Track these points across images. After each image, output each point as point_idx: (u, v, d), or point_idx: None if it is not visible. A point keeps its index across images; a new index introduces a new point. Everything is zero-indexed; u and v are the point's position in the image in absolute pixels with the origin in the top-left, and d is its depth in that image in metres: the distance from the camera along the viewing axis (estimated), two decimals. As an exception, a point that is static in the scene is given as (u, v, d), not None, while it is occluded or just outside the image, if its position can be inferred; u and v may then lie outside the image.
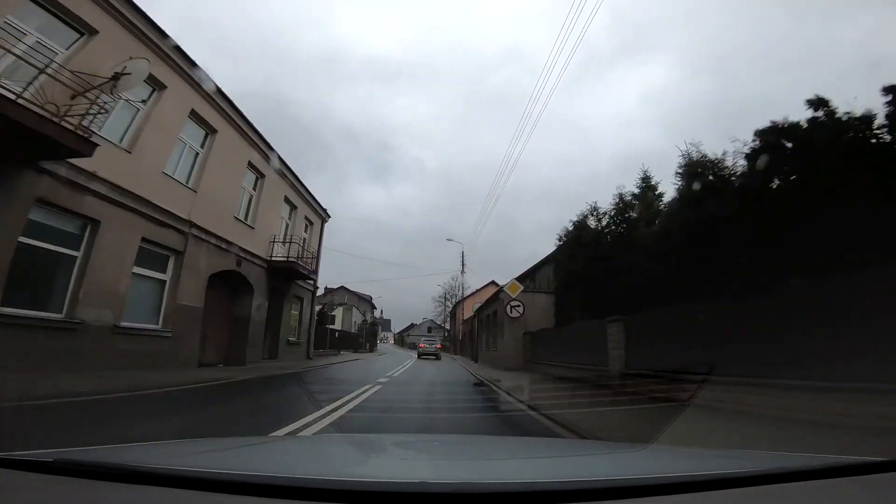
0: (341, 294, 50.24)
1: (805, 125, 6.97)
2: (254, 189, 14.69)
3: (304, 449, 1.92)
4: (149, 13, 8.99)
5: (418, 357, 28.86)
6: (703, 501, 0.94)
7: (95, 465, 1.05)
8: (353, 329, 47.71)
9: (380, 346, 71.28)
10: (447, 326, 62.99)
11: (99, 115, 7.28)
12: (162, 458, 1.31)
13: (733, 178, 8.08)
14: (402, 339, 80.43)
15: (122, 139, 9.06)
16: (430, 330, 73.61)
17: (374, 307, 62.80)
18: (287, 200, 17.26)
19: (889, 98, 6.25)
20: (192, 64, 10.48)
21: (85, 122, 7.01)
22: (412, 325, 76.58)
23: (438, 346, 31.66)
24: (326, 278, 55.00)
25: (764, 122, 7.52)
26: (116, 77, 7.49)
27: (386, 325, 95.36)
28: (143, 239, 9.56)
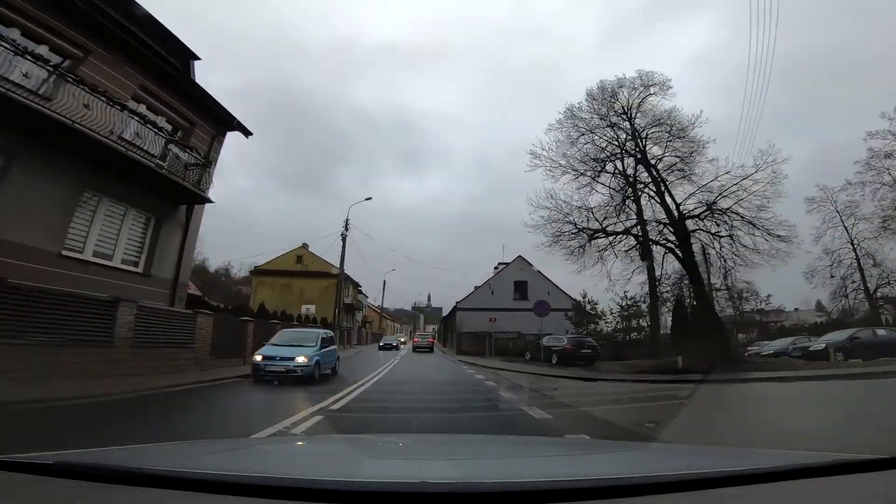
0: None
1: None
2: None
3: (302, 450, 1.94)
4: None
5: (413, 350, 30.92)
6: (705, 499, 0.94)
7: (95, 468, 1.05)
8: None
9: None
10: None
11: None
12: (161, 460, 1.31)
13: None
14: (447, 326, 42.72)
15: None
16: (518, 291, 30.24)
17: None
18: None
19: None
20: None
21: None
22: (474, 291, 32.36)
23: (431, 339, 35.89)
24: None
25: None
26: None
27: (436, 314, 79.20)
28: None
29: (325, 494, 0.87)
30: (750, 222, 17.41)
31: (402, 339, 42.79)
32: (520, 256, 30.72)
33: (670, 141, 19.01)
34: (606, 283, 19.37)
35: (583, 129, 19.26)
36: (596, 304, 24.65)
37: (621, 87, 19.03)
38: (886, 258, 20.72)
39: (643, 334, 21.30)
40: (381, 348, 31.00)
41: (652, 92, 19.00)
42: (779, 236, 17.06)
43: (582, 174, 19.21)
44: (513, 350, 23.05)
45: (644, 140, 19.10)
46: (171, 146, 10.97)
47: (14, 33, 8.03)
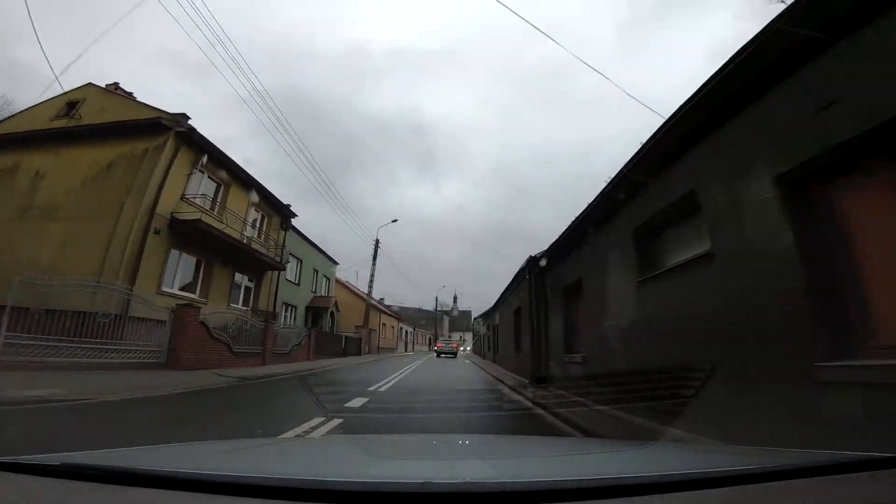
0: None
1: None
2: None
3: (307, 450, 1.91)
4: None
5: (437, 356, 31.09)
6: (707, 498, 0.92)
7: (101, 469, 1.04)
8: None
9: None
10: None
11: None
12: (168, 462, 1.30)
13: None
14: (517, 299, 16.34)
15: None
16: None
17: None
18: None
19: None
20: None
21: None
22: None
23: (454, 345, 35.80)
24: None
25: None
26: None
27: (465, 318, 74.01)
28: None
29: (327, 495, 0.88)
30: None
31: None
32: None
33: None
34: None
35: None
36: None
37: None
38: None
39: None
40: None
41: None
42: None
43: None
44: None
45: None
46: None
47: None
